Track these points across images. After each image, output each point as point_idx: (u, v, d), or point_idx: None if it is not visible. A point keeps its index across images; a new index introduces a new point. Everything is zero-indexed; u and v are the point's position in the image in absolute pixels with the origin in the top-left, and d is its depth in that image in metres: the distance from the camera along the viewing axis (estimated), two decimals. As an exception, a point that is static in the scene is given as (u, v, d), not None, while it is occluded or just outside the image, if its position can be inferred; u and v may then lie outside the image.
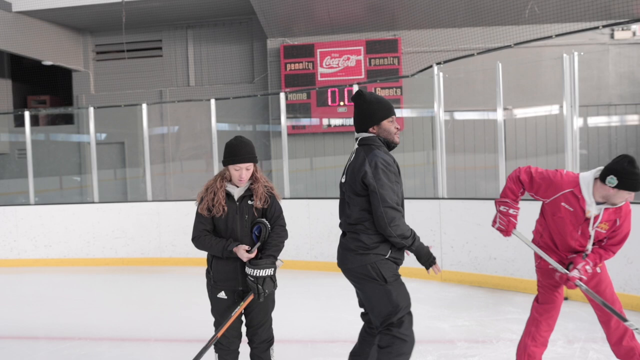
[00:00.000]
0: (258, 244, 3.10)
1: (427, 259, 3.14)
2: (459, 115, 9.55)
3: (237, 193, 3.13)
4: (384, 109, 3.03)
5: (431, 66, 6.37)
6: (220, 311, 3.15)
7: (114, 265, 8.11)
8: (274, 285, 3.08)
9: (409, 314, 3.09)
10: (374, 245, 3.02)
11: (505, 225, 3.41)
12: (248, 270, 3.01)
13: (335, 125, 10.65)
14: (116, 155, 11.75)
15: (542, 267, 3.41)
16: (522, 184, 3.38)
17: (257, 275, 2.99)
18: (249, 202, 3.13)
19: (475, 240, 6.05)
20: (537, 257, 3.46)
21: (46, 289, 7.02)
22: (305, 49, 10.61)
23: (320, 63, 10.57)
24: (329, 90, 10.44)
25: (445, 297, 5.78)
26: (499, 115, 6.00)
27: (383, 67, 10.36)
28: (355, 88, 7.05)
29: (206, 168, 9.91)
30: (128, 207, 8.14)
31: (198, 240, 3.15)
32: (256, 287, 3.00)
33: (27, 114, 8.59)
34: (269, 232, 3.13)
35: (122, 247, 8.11)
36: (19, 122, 12.83)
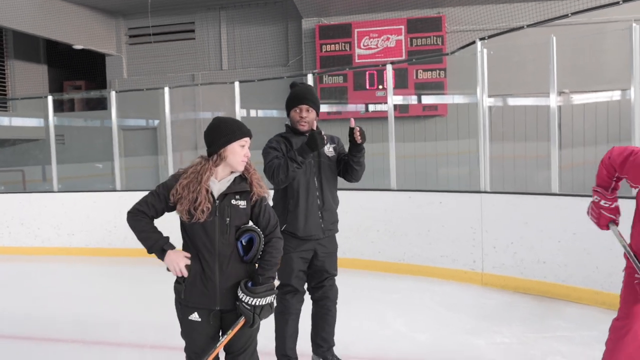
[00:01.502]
0: (247, 258, 2.50)
1: (312, 142, 3.16)
2: (507, 99, 8.69)
3: (217, 189, 2.49)
4: (290, 100, 3.40)
5: (474, 42, 5.60)
6: (192, 337, 2.54)
7: (134, 256, 7.73)
8: (272, 312, 2.51)
9: (279, 288, 3.36)
10: None
11: (597, 218, 2.79)
12: (243, 296, 2.43)
13: (373, 111, 9.97)
14: (148, 142, 11.46)
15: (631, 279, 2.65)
16: (614, 167, 2.66)
17: (256, 304, 2.42)
18: (233, 201, 2.49)
19: (522, 240, 5.30)
20: (629, 266, 2.72)
21: (68, 280, 6.73)
22: (341, 29, 9.94)
23: (357, 44, 9.89)
24: (367, 73, 9.75)
25: (484, 305, 5.07)
26: (552, 100, 5.20)
27: (425, 47, 9.58)
28: (389, 68, 6.35)
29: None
30: (150, 196, 7.75)
31: (134, 218, 2.58)
32: (252, 316, 2.43)
33: (49, 99, 8.32)
34: (263, 245, 2.52)
35: (144, 238, 7.72)
36: (55, 107, 12.76)
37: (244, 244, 2.50)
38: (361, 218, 6.49)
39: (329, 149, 3.46)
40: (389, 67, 6.35)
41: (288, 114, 3.44)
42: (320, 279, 3.48)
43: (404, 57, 9.54)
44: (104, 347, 4.31)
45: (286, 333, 3.41)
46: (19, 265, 7.65)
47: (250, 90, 7.89)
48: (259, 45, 10.95)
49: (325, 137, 3.18)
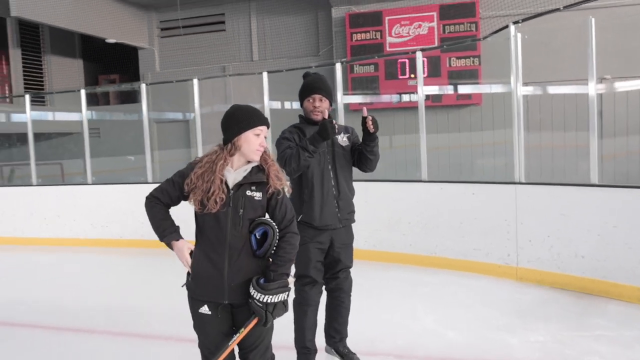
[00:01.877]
0: (260, 252, 2.41)
1: (323, 131, 3.11)
2: (544, 87, 8.36)
3: (232, 179, 2.39)
4: (303, 90, 3.38)
5: (507, 26, 5.36)
6: (205, 331, 2.48)
7: (166, 247, 7.81)
8: (286, 310, 2.43)
9: (297, 279, 3.38)
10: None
11: None
12: (254, 293, 2.34)
13: (405, 101, 9.77)
14: (182, 134, 11.54)
15: None
16: None
17: (268, 301, 2.34)
18: (248, 192, 2.40)
19: (559, 233, 5.08)
20: None
21: (101, 272, 6.81)
22: (372, 17, 9.76)
23: (388, 32, 9.70)
24: (398, 62, 9.56)
25: (519, 300, 4.88)
26: (591, 87, 4.93)
27: (459, 34, 9.32)
28: (419, 56, 6.16)
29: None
30: (180, 188, 7.78)
31: (149, 204, 2.53)
32: (264, 314, 2.34)
33: (82, 92, 8.43)
34: (277, 240, 2.42)
35: (176, 230, 7.77)
36: (90, 101, 12.99)
37: (257, 237, 2.41)
38: (392, 210, 6.35)
39: (342, 139, 3.43)
40: (419, 55, 6.16)
41: (301, 104, 3.43)
42: (335, 270, 3.46)
43: (436, 44, 9.30)
44: (132, 339, 4.33)
45: (305, 325, 3.37)
46: (55, 256, 7.80)
47: (279, 81, 7.81)
48: (289, 35, 10.87)
49: (336, 126, 3.14)
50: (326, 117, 3.21)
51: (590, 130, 4.97)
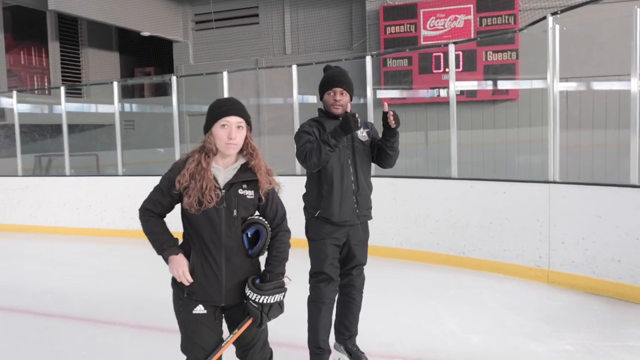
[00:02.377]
0: (253, 252, 2.33)
1: (345, 125, 2.99)
2: (584, 82, 7.99)
3: (222, 177, 2.28)
4: (324, 83, 3.28)
5: (544, 18, 5.10)
6: (199, 332, 2.33)
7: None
8: (281, 311, 2.33)
9: (312, 276, 3.29)
10: (305, 201, 3.35)
11: None
12: (250, 294, 2.27)
13: (439, 96, 9.53)
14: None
15: None
16: None
17: (264, 302, 2.25)
18: (240, 190, 2.29)
19: (594, 236, 4.82)
20: None
21: (132, 262, 6.90)
22: (407, 9, 9.54)
23: (423, 25, 9.46)
24: (433, 55, 9.31)
25: (549, 306, 4.65)
26: (634, 83, 4.64)
27: (496, 27, 9.01)
28: (451, 49, 5.94)
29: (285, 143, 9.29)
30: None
31: (142, 218, 2.46)
32: (260, 315, 2.26)
33: (115, 85, 8.51)
34: (269, 239, 2.34)
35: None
36: (125, 93, 13.18)
37: (249, 236, 2.32)
38: (419, 207, 6.17)
39: (362, 134, 3.32)
40: (451, 48, 5.94)
41: (321, 98, 3.33)
42: (349, 267, 3.35)
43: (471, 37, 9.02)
44: (159, 334, 4.28)
45: (319, 324, 3.26)
46: (85, 245, 7.91)
47: (310, 74, 7.68)
48: (323, 28, 10.74)
49: (359, 120, 3.01)
50: (348, 110, 3.10)
51: (631, 128, 4.69)
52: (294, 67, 7.17)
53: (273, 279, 2.30)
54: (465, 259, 5.84)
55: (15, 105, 9.56)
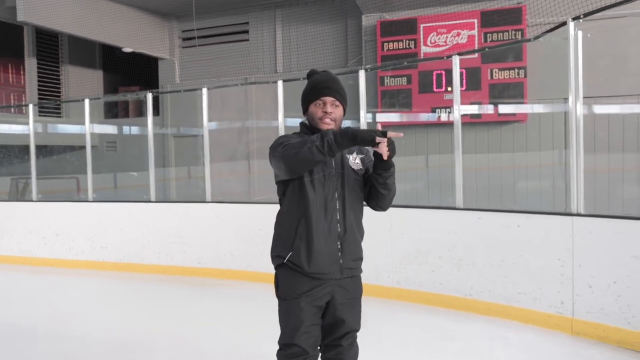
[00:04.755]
0: None
1: (366, 133, 2.15)
2: (604, 104, 7.29)
3: None
4: (310, 91, 2.51)
5: (564, 23, 4.40)
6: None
7: (169, 274, 7.04)
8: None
9: (281, 349, 2.45)
10: (275, 242, 2.55)
11: None
12: None
13: (439, 118, 8.83)
14: (200, 150, 10.87)
15: None
16: None
17: None
18: None
19: (629, 280, 4.04)
20: None
21: (101, 298, 6.20)
22: (406, 24, 8.90)
23: (423, 41, 8.81)
24: (434, 73, 8.64)
25: (576, 364, 3.85)
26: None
27: (502, 42, 8.33)
28: (455, 61, 5.22)
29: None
30: (184, 208, 7.02)
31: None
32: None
33: (86, 102, 7.79)
34: None
35: (178, 254, 7.00)
36: (109, 113, 12.50)
37: None
38: (419, 241, 5.40)
39: (355, 161, 2.51)
40: (456, 60, 5.23)
41: (305, 111, 2.53)
42: (336, 335, 2.49)
43: (476, 55, 8.34)
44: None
45: None
46: (49, 278, 7.14)
47: (299, 91, 7.00)
48: (316, 45, 10.10)
49: (382, 132, 2.18)
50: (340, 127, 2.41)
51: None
52: (280, 82, 6.46)
53: None
54: (472, 302, 5.04)
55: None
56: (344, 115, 2.50)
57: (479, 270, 4.99)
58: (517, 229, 4.73)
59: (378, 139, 2.13)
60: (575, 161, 4.40)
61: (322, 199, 2.39)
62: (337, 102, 2.45)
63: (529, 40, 4.92)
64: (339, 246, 2.40)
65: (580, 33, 4.31)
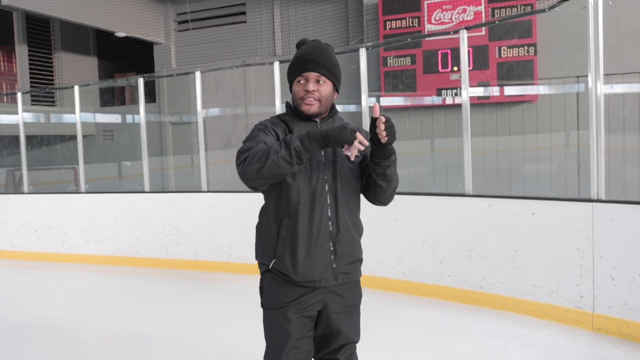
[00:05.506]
0: None
1: (335, 133, 1.79)
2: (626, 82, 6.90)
3: None
4: (292, 66, 2.12)
5: (582, -9, 4.00)
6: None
7: (164, 267, 6.76)
8: None
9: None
10: (256, 245, 2.19)
11: None
12: None
13: (444, 100, 8.45)
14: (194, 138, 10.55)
15: None
16: None
17: None
18: None
19: (655, 271, 3.70)
20: None
21: (96, 294, 5.89)
22: (409, 1, 8.49)
23: (428, 18, 8.39)
24: (439, 52, 8.24)
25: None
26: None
27: (511, 19, 7.89)
28: (463, 35, 4.83)
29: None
30: (180, 199, 6.70)
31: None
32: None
33: (76, 89, 7.46)
34: None
35: (174, 246, 6.71)
36: (105, 102, 12.17)
37: None
38: (426, 231, 5.06)
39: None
40: (464, 35, 4.84)
41: (290, 87, 2.15)
42: (332, 348, 2.15)
43: (483, 32, 7.93)
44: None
45: None
46: (41, 273, 6.90)
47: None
48: (316, 26, 9.69)
49: (353, 131, 1.81)
50: (329, 109, 2.07)
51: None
52: (276, 64, 6.10)
53: None
54: (483, 296, 4.71)
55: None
56: (336, 94, 2.12)
57: (490, 262, 4.65)
58: (531, 217, 4.38)
59: (360, 139, 1.78)
60: (595, 143, 4.03)
61: (309, 193, 2.02)
62: (323, 78, 2.05)
63: (543, 11, 4.52)
64: (332, 248, 2.04)
65: (600, 1, 3.92)
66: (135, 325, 4.62)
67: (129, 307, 5.25)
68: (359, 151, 1.94)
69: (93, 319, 4.88)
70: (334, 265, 2.05)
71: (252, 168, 1.84)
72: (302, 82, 2.05)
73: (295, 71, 2.08)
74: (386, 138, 1.87)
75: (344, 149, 1.86)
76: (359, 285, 2.21)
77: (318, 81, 2.04)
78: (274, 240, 2.06)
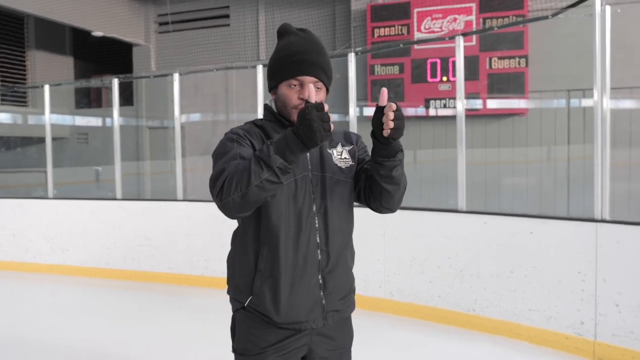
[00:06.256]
0: None
1: (304, 127, 1.40)
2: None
3: None
4: (282, 63, 1.69)
5: (589, -3, 3.76)
6: None
7: (136, 280, 6.35)
8: None
9: None
10: (229, 277, 1.80)
11: None
12: None
13: (427, 109, 8.21)
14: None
15: None
16: None
17: None
18: None
19: (663, 298, 3.44)
20: None
21: (61, 307, 5.48)
22: (398, 8, 8.25)
23: (417, 27, 8.16)
24: (428, 62, 8.00)
25: (606, 402, 3.25)
26: None
27: (502, 30, 7.70)
28: (459, 41, 4.56)
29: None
30: (153, 207, 6.31)
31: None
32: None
33: (46, 88, 7.04)
34: None
35: (146, 258, 6.31)
36: (81, 104, 11.72)
37: None
38: (415, 248, 4.76)
39: (339, 154, 1.77)
40: (459, 41, 4.57)
41: (271, 88, 1.76)
42: None
43: (474, 42, 7.72)
44: None
45: None
46: (8, 283, 6.45)
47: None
48: (302, 31, 9.41)
49: (330, 120, 1.43)
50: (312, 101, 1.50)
51: None
52: (259, 67, 5.77)
53: None
54: (476, 319, 4.42)
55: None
56: (326, 93, 1.75)
57: (484, 282, 4.37)
58: (529, 236, 4.11)
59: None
60: (600, 160, 3.78)
61: (294, 215, 1.66)
62: (320, 84, 1.68)
63: (546, 18, 4.29)
64: (321, 281, 1.70)
65: (608, 8, 3.68)
66: (100, 345, 4.24)
67: (96, 324, 4.84)
68: (354, 157, 1.64)
69: (56, 333, 4.49)
70: (324, 302, 1.71)
71: (232, 198, 1.48)
72: (296, 86, 1.67)
73: (286, 71, 1.67)
74: (389, 131, 1.53)
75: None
76: (350, 323, 1.87)
77: (316, 87, 1.68)
78: (251, 274, 1.70)
